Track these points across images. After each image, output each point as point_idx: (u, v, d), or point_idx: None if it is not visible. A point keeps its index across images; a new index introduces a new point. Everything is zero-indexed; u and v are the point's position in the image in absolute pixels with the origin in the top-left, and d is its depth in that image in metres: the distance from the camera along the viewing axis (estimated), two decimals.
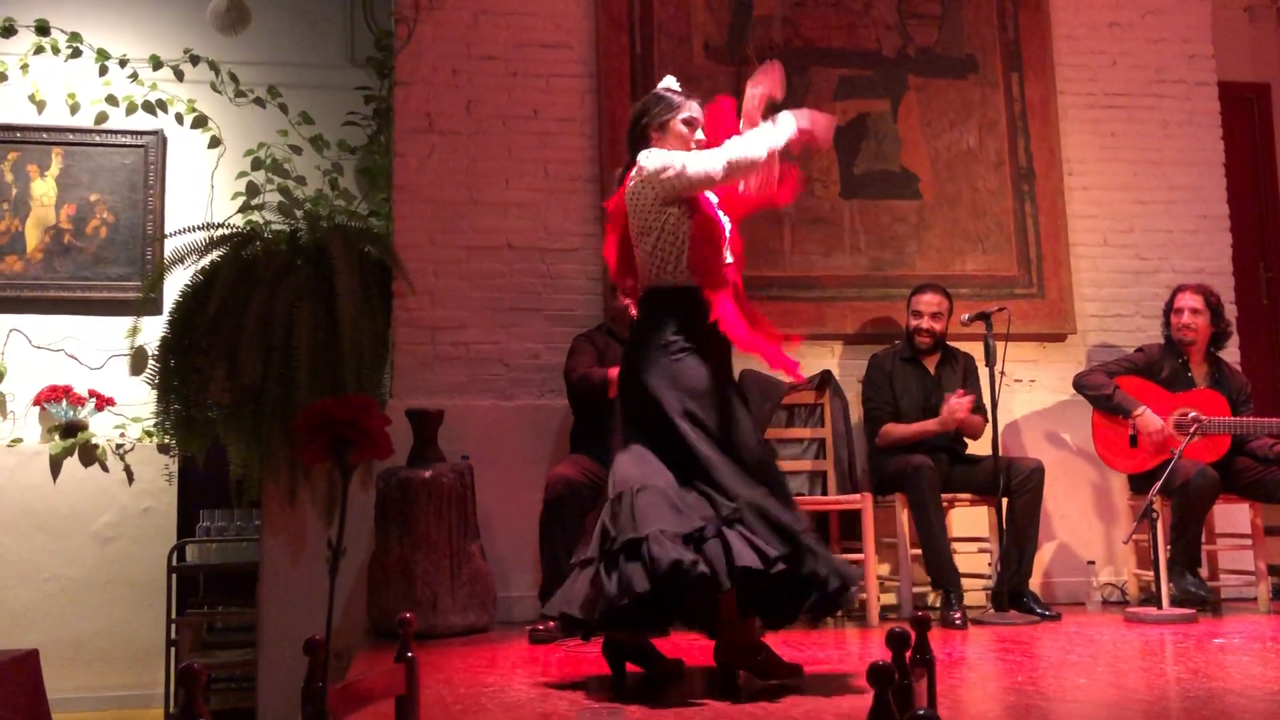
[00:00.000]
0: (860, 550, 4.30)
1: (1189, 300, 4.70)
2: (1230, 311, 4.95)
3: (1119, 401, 4.58)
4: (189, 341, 4.50)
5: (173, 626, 5.02)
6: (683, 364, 3.02)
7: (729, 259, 3.14)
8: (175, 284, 4.74)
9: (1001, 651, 3.60)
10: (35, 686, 3.16)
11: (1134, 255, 5.35)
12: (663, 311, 3.09)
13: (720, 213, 3.17)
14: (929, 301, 4.67)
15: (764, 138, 3.07)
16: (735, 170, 3.04)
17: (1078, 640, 3.76)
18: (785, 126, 3.09)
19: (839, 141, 5.12)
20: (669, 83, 3.34)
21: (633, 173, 3.15)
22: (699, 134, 3.22)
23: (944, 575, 4.26)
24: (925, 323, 4.65)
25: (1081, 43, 5.44)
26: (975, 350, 4.69)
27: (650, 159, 3.08)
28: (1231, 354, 4.99)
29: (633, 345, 3.16)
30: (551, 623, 3.91)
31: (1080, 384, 4.72)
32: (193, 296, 4.54)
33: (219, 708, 4.91)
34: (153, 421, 4.90)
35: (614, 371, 3.78)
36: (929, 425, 4.52)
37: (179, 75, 5.90)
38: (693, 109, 3.22)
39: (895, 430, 4.59)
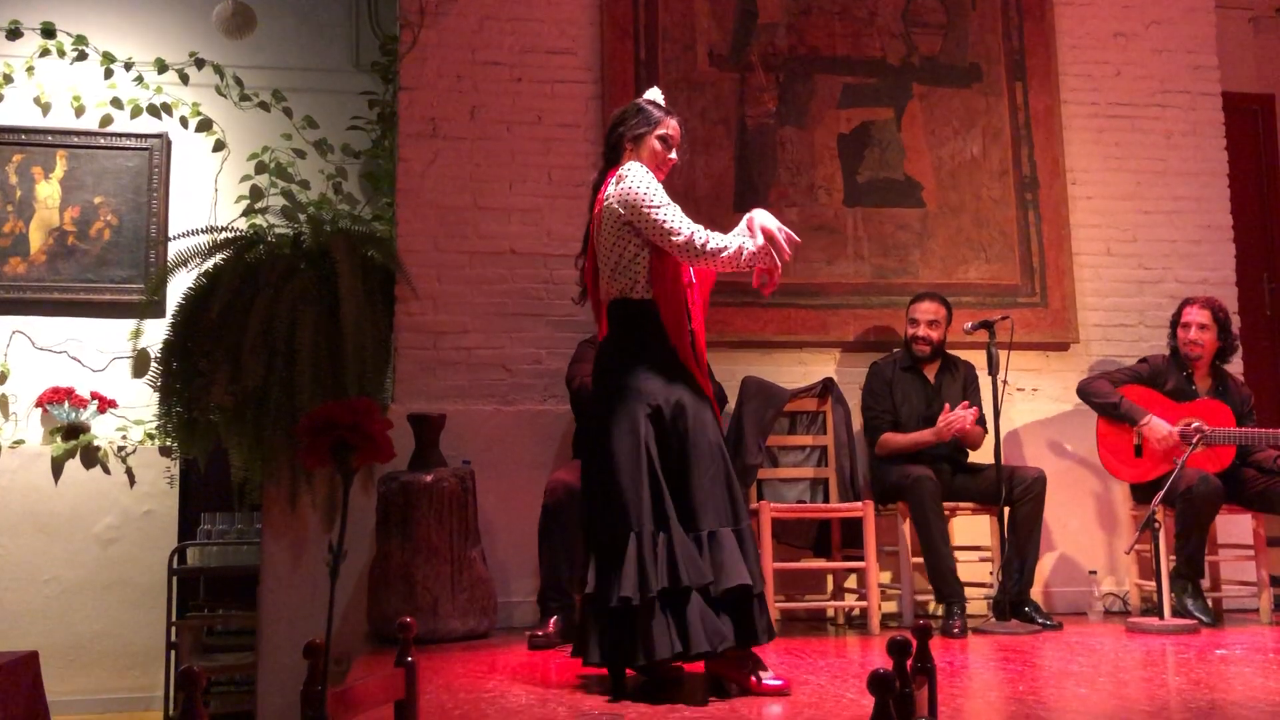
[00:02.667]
0: (862, 558, 4.30)
1: (1197, 315, 4.67)
2: (1235, 324, 4.93)
3: (1125, 410, 4.57)
4: (191, 344, 4.50)
5: (173, 629, 5.02)
6: (647, 376, 3.04)
7: (692, 279, 3.18)
8: (178, 287, 4.74)
9: (1002, 661, 3.60)
10: (35, 688, 3.16)
11: (1137, 265, 5.35)
12: (630, 324, 3.12)
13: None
14: (926, 310, 4.68)
15: (745, 246, 3.06)
16: (709, 258, 3.06)
17: (1079, 650, 3.76)
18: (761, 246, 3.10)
19: (843, 149, 5.14)
20: (653, 95, 3.34)
21: (611, 181, 3.16)
22: (673, 153, 3.23)
23: (947, 587, 4.25)
24: (922, 330, 4.65)
25: (1086, 52, 5.44)
26: (978, 359, 4.69)
27: (634, 180, 3.08)
28: (1234, 365, 4.97)
29: (604, 354, 3.18)
30: (551, 628, 3.91)
31: (1085, 391, 4.71)
32: (196, 299, 4.54)
33: (219, 711, 4.91)
34: (155, 424, 4.92)
35: None
36: (925, 435, 4.52)
37: (184, 78, 5.91)
38: (670, 126, 3.23)
39: (893, 440, 4.59)
